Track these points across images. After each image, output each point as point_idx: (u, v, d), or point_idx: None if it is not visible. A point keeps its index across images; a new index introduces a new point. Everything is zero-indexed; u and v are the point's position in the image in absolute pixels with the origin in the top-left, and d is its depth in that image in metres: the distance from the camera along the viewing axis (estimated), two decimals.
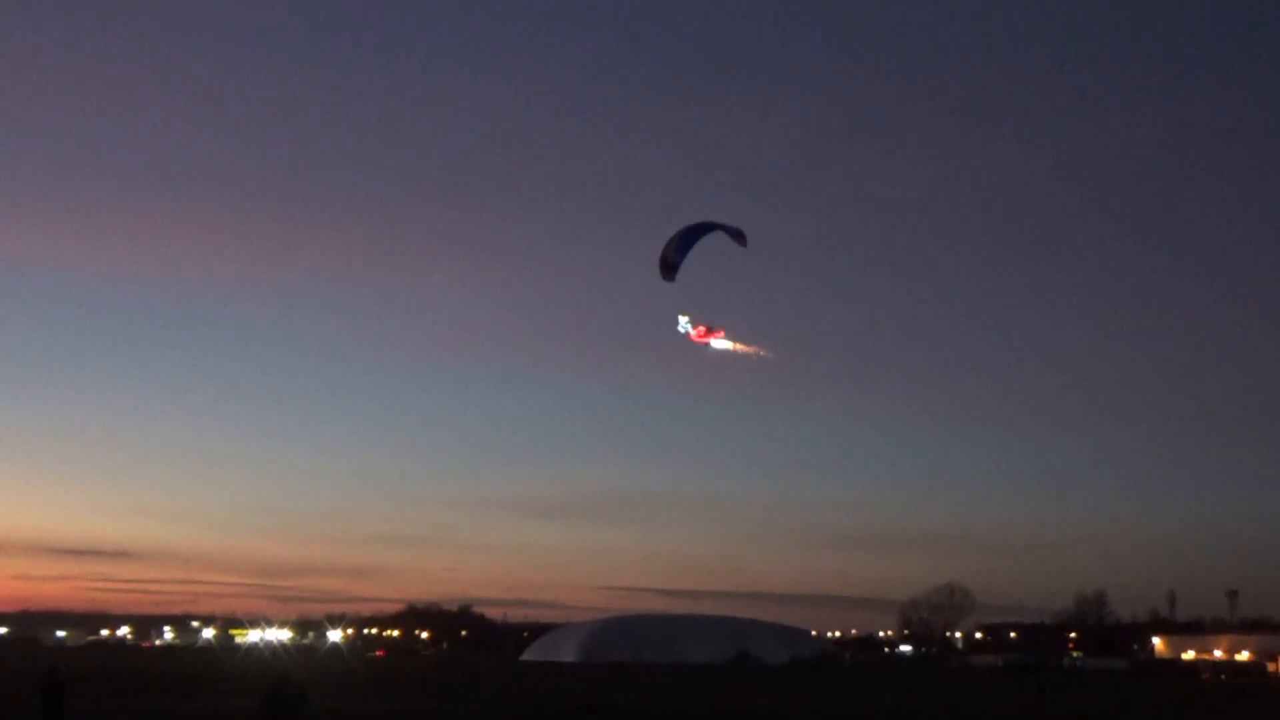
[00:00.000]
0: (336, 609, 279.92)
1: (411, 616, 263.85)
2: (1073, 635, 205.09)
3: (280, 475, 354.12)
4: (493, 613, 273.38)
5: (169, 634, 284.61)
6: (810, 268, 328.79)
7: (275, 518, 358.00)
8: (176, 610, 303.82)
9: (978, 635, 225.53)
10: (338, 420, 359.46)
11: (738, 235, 46.43)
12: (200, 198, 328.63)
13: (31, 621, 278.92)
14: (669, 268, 46.04)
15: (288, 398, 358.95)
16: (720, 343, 49.60)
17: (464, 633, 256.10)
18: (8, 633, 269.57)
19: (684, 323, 48.99)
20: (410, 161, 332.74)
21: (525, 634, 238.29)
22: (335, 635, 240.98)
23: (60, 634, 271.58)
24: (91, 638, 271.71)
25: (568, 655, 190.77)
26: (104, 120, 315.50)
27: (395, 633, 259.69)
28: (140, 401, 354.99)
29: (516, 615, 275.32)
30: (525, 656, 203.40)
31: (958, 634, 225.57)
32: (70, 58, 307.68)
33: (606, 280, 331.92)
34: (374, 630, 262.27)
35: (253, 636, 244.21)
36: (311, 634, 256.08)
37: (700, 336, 49.14)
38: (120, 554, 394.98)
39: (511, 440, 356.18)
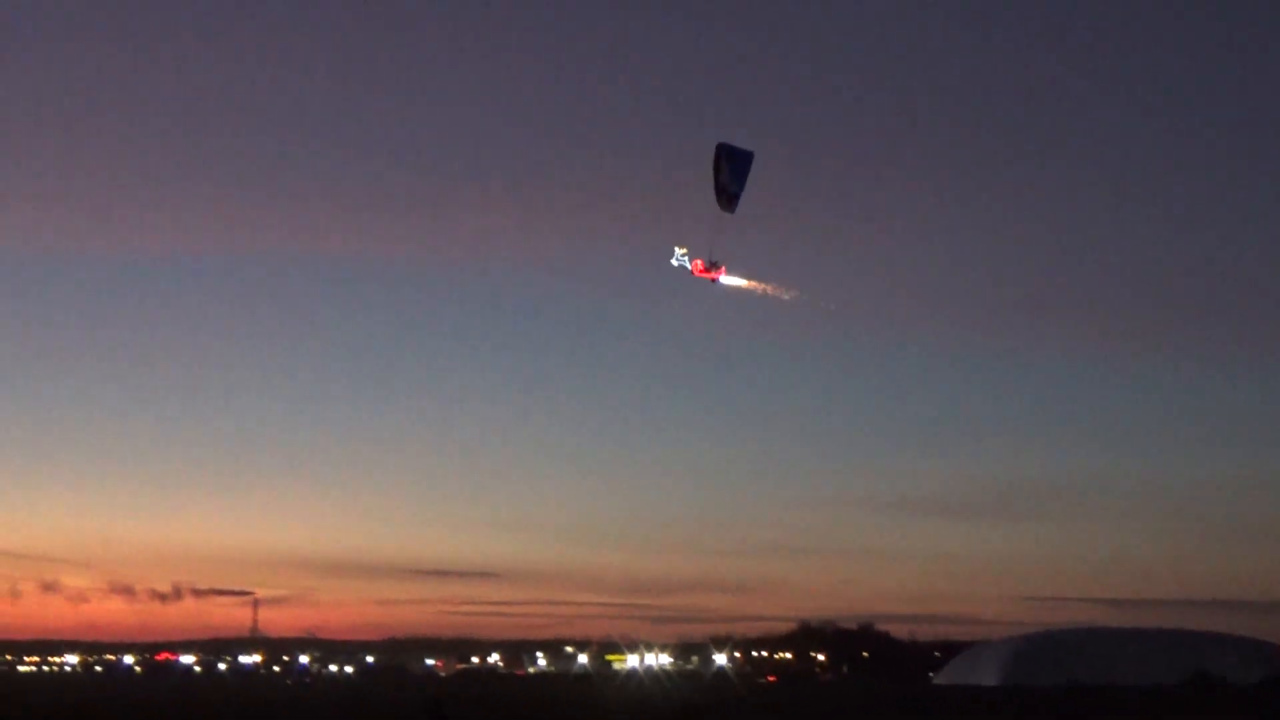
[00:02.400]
0: (721, 629, 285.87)
1: (805, 636, 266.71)
2: None
3: (653, 483, 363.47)
4: (898, 630, 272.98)
5: (541, 660, 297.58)
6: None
7: (650, 530, 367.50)
8: (548, 634, 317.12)
9: None
10: (711, 419, 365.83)
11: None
12: (534, 185, 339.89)
13: (398, 649, 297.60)
14: (732, 198, 49.42)
15: (655, 397, 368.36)
16: (731, 279, 52.16)
17: (865, 654, 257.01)
18: (375, 661, 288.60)
19: (680, 255, 51.47)
20: (759, 125, 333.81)
21: (936, 654, 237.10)
22: (721, 659, 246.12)
23: (429, 661, 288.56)
24: (461, 665, 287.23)
25: (988, 678, 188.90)
26: (415, 118, 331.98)
27: (788, 655, 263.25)
28: (500, 413, 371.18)
29: (925, 632, 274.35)
30: (937, 680, 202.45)
31: None
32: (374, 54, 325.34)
33: (1002, 244, 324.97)
34: (764, 653, 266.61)
35: (631, 662, 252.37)
36: (695, 658, 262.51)
37: (701, 272, 51.55)
38: (486, 574, 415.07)
39: (909, 429, 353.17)
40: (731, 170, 49.90)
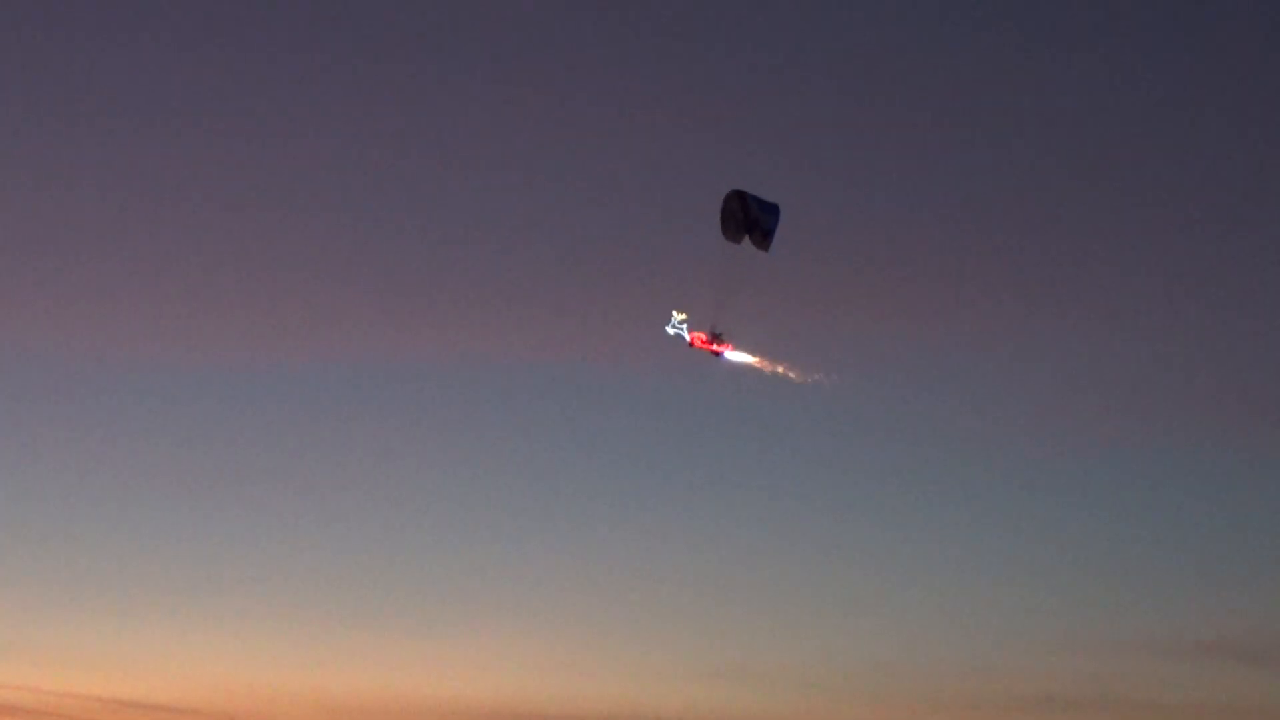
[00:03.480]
0: None
1: None
2: None
3: (895, 626, 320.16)
4: None
5: None
6: None
7: (901, 678, 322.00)
8: None
9: None
10: (965, 548, 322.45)
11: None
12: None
13: None
14: (766, 234, 48.14)
15: (898, 525, 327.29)
16: (738, 356, 51.04)
17: None
18: None
19: (676, 321, 50.10)
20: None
21: None
22: None
23: None
24: None
25: None
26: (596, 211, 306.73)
27: None
28: (706, 539, 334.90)
29: None
30: None
31: None
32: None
33: None
34: None
35: None
36: None
37: (703, 344, 50.33)
38: None
39: (1203, 559, 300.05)
40: (760, 206, 48.26)
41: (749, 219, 47.95)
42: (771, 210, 47.94)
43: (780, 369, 51.93)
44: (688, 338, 49.56)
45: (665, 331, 49.57)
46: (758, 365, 50.78)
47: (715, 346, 49.69)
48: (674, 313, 49.63)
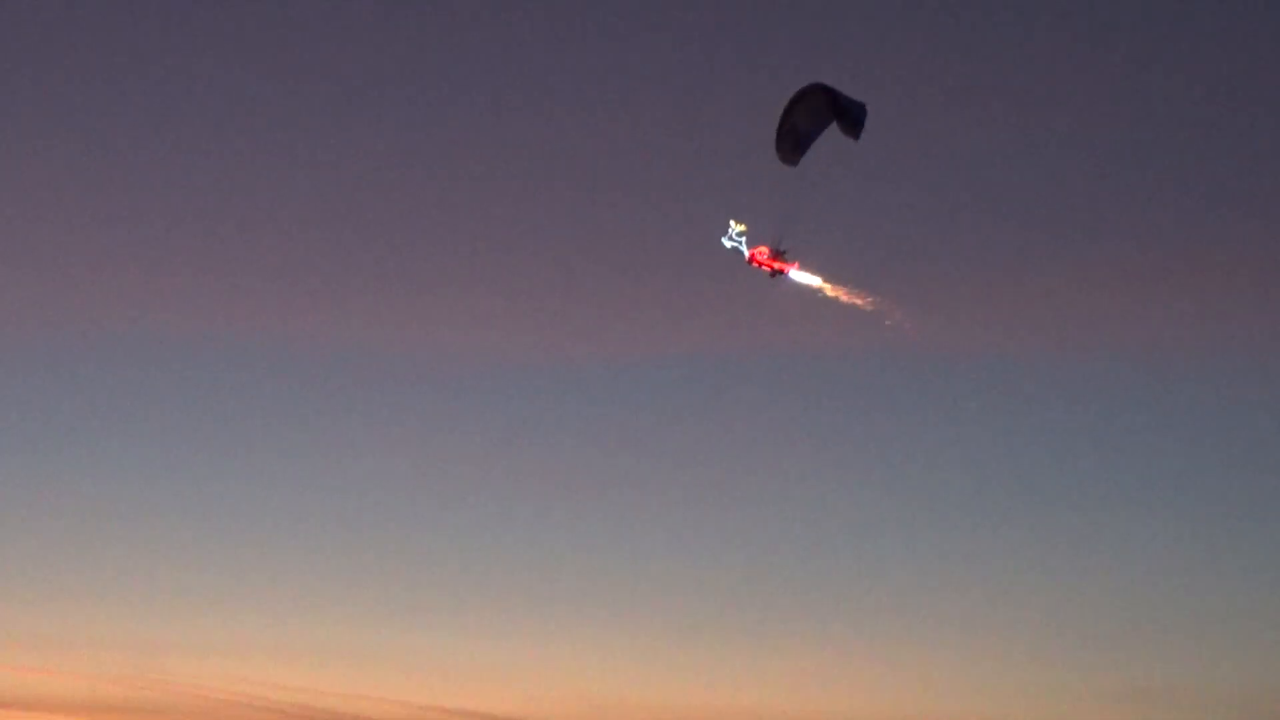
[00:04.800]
0: None
1: None
2: None
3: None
4: None
5: None
6: None
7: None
8: None
9: None
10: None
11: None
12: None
13: None
14: (856, 122, 41.24)
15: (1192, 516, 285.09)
16: (804, 276, 44.21)
17: None
18: None
19: (735, 233, 43.77)
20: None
21: None
22: None
23: None
24: None
25: None
26: None
27: None
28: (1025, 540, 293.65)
29: None
30: None
31: None
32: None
33: None
34: None
35: None
36: None
37: (767, 263, 43.67)
38: None
39: None
40: (848, 97, 42.36)
41: (838, 107, 42.07)
42: (859, 105, 41.99)
43: (860, 300, 46.30)
44: (746, 253, 43.94)
45: (721, 244, 44.33)
46: (830, 292, 45.47)
47: (777, 264, 43.91)
48: (732, 222, 44.06)
